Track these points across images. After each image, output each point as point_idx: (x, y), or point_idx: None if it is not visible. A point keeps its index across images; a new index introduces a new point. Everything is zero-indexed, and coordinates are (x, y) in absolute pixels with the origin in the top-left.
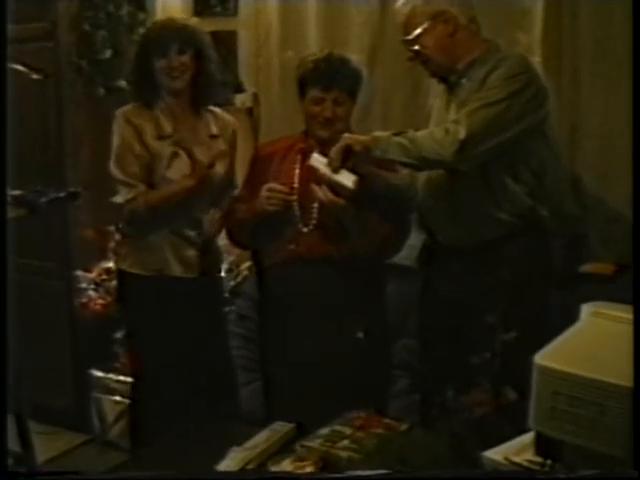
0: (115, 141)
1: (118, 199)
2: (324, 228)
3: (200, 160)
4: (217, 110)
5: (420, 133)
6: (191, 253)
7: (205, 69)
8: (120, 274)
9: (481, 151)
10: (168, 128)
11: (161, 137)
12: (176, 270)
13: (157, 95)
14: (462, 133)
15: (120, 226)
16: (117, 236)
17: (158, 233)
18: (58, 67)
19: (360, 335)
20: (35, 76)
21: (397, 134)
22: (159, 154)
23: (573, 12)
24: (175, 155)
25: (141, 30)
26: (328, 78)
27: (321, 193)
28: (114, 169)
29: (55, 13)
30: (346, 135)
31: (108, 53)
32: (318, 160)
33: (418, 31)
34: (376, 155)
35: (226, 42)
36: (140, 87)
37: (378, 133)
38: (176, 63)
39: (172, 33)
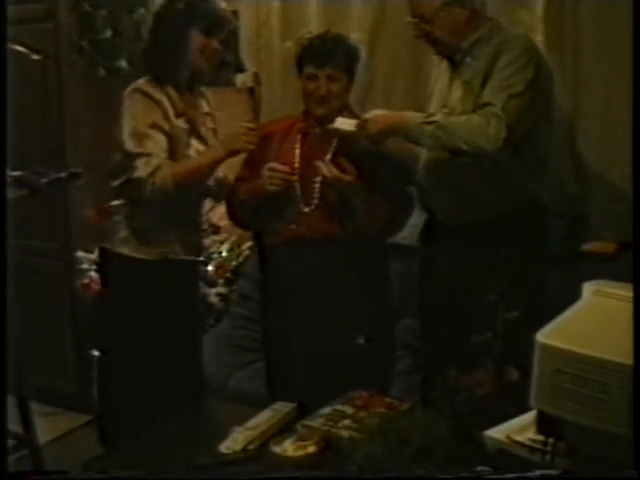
0: (132, 115)
1: (139, 173)
2: (326, 207)
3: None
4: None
5: (453, 120)
6: (193, 234)
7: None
8: (117, 259)
9: (514, 142)
10: (180, 105)
11: (179, 115)
12: (179, 253)
13: (175, 70)
14: (504, 130)
15: (122, 207)
16: (117, 218)
17: (165, 215)
18: (58, 48)
19: (360, 341)
20: (35, 57)
21: (428, 122)
22: (179, 131)
23: None
24: (192, 132)
25: (142, 10)
26: (322, 55)
27: (326, 169)
28: (132, 143)
29: None
30: (377, 112)
31: (108, 33)
32: (341, 122)
33: (431, 13)
34: (408, 140)
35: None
36: (162, 59)
37: (407, 113)
38: (216, 44)
39: (217, 12)
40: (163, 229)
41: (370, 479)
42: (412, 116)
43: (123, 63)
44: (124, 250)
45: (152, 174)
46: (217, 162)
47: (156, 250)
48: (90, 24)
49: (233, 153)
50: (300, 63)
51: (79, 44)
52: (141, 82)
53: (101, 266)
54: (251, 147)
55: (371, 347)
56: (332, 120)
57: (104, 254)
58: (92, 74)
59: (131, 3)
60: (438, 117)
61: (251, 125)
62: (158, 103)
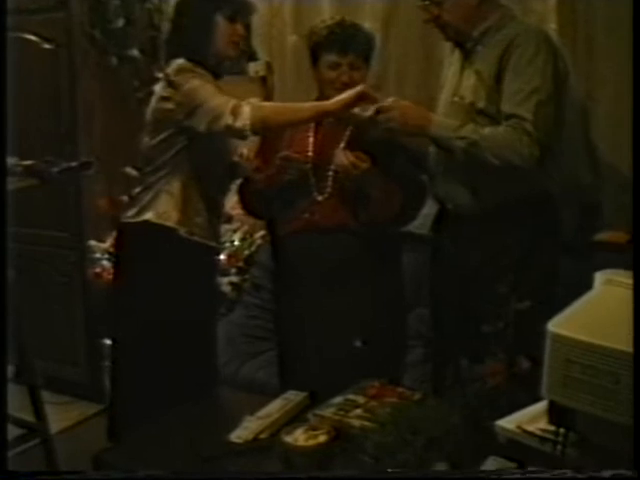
0: (191, 90)
1: (227, 120)
2: (340, 196)
3: None
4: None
5: (484, 136)
6: (217, 221)
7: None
8: (134, 226)
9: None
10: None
11: None
12: (208, 238)
13: (204, 57)
14: (537, 149)
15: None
16: (160, 191)
17: (201, 196)
18: (70, 37)
19: (358, 344)
20: (47, 46)
21: (459, 137)
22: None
23: None
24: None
25: None
26: (344, 43)
27: (343, 157)
28: (206, 107)
29: None
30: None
31: (121, 22)
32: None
33: None
34: (436, 144)
35: None
36: (188, 47)
37: (438, 120)
38: (241, 30)
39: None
40: (199, 209)
41: (374, 479)
42: (443, 126)
43: (135, 52)
44: (167, 222)
45: (236, 108)
46: (319, 116)
47: (189, 223)
48: (102, 13)
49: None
50: (316, 51)
51: (91, 33)
52: (183, 62)
53: (118, 245)
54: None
55: (383, 337)
56: (351, 108)
57: (123, 233)
58: (104, 63)
59: None
60: (469, 132)
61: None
62: (201, 76)
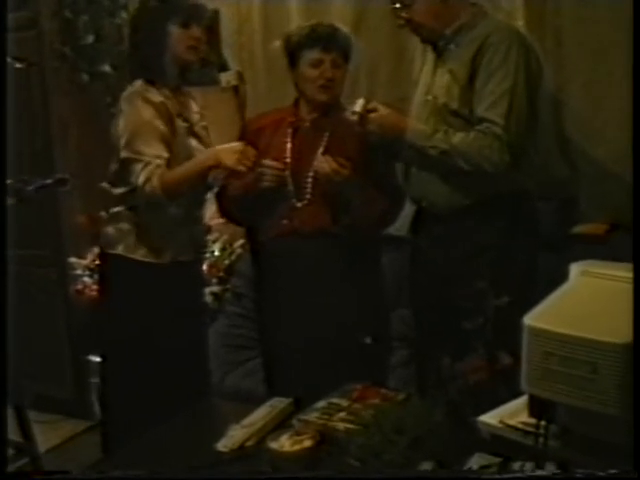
0: (130, 122)
1: (140, 178)
2: (319, 202)
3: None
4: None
5: (455, 143)
6: (199, 234)
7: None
8: (124, 264)
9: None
10: (177, 105)
11: (178, 115)
12: (190, 253)
13: (162, 69)
14: (507, 155)
15: (125, 213)
16: (125, 225)
17: (173, 216)
18: (41, 55)
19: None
20: (19, 65)
21: (431, 146)
22: (180, 130)
23: None
24: (189, 131)
25: (123, 14)
26: (327, 40)
27: (327, 164)
28: (131, 150)
29: (36, 1)
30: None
31: (91, 38)
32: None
33: None
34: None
35: (209, 21)
36: (146, 61)
37: (413, 126)
38: (197, 33)
39: (190, 3)
40: (173, 231)
41: (366, 479)
42: (416, 134)
43: (107, 68)
44: (135, 256)
45: (146, 182)
46: (206, 171)
47: (167, 253)
48: (72, 30)
49: (223, 166)
50: (296, 51)
51: (62, 51)
52: (138, 86)
53: (102, 271)
54: (242, 169)
55: (367, 340)
56: (330, 108)
57: (106, 260)
58: (76, 80)
59: (112, 7)
60: (439, 142)
61: (251, 149)
62: (158, 105)
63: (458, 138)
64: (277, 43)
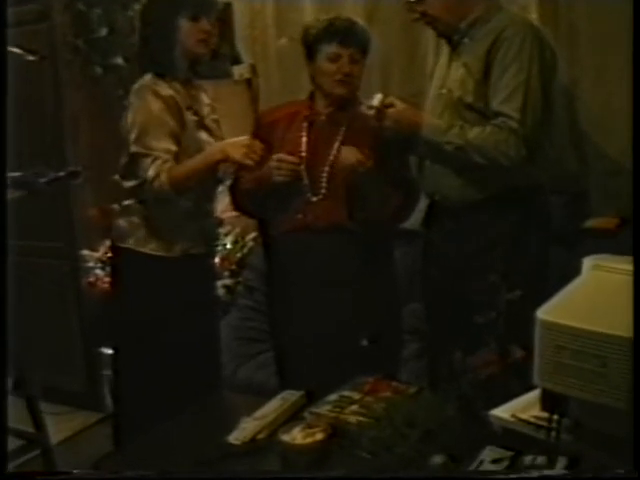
0: (139, 116)
1: (149, 173)
2: (335, 197)
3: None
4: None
5: (471, 139)
6: (211, 227)
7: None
8: (134, 257)
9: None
10: (187, 98)
11: (188, 108)
12: (201, 247)
13: (172, 63)
14: (523, 149)
15: (135, 206)
16: (135, 219)
17: (183, 210)
18: (54, 48)
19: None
20: (31, 58)
21: (447, 142)
22: (190, 124)
23: None
24: (199, 124)
25: (136, 6)
26: (345, 34)
27: (351, 154)
28: (140, 144)
29: None
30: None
31: (104, 31)
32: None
33: None
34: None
35: (221, 14)
36: (158, 54)
37: (430, 121)
38: (207, 26)
39: None
40: (183, 224)
41: (372, 479)
42: (431, 129)
43: (119, 60)
44: (145, 250)
45: (155, 177)
46: (215, 165)
47: (177, 247)
48: (85, 23)
49: (230, 160)
50: (314, 45)
51: (74, 43)
52: (147, 79)
53: (114, 264)
54: (249, 162)
55: (379, 333)
56: (347, 102)
57: (118, 253)
58: (89, 73)
59: (125, 0)
60: (454, 137)
61: (258, 142)
62: (167, 99)
63: (474, 133)
64: (284, 40)
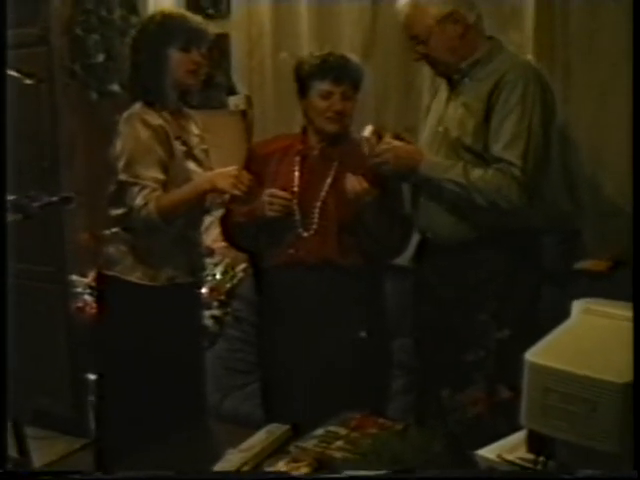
0: (128, 144)
1: (137, 202)
2: (326, 232)
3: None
4: (187, 109)
5: (473, 180)
6: (198, 257)
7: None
8: (120, 285)
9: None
10: (176, 128)
11: (176, 138)
12: (188, 276)
13: (162, 93)
14: (525, 196)
15: (122, 235)
16: (121, 247)
17: (170, 239)
18: (51, 72)
19: (363, 334)
20: (28, 81)
21: (448, 179)
22: (178, 154)
23: (564, 9)
24: (188, 154)
25: (133, 33)
26: (338, 71)
27: (357, 183)
28: (128, 173)
29: (47, 18)
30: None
31: (101, 57)
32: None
33: (426, 32)
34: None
35: (219, 44)
36: (148, 83)
37: (429, 159)
38: (197, 57)
39: (191, 27)
40: (169, 253)
41: (372, 478)
42: (432, 166)
43: (116, 87)
44: (131, 278)
45: (143, 206)
46: (202, 195)
47: (163, 275)
48: (82, 48)
49: (218, 190)
50: (306, 81)
51: (71, 68)
52: (137, 108)
53: (100, 291)
54: (237, 193)
55: (367, 369)
56: (339, 137)
57: (104, 280)
58: (85, 98)
59: (123, 27)
60: (457, 176)
61: (246, 173)
62: (157, 128)
63: (476, 174)
64: (284, 54)
